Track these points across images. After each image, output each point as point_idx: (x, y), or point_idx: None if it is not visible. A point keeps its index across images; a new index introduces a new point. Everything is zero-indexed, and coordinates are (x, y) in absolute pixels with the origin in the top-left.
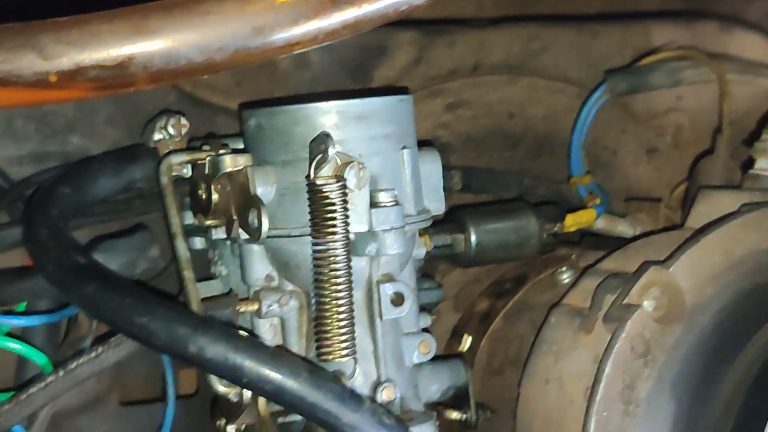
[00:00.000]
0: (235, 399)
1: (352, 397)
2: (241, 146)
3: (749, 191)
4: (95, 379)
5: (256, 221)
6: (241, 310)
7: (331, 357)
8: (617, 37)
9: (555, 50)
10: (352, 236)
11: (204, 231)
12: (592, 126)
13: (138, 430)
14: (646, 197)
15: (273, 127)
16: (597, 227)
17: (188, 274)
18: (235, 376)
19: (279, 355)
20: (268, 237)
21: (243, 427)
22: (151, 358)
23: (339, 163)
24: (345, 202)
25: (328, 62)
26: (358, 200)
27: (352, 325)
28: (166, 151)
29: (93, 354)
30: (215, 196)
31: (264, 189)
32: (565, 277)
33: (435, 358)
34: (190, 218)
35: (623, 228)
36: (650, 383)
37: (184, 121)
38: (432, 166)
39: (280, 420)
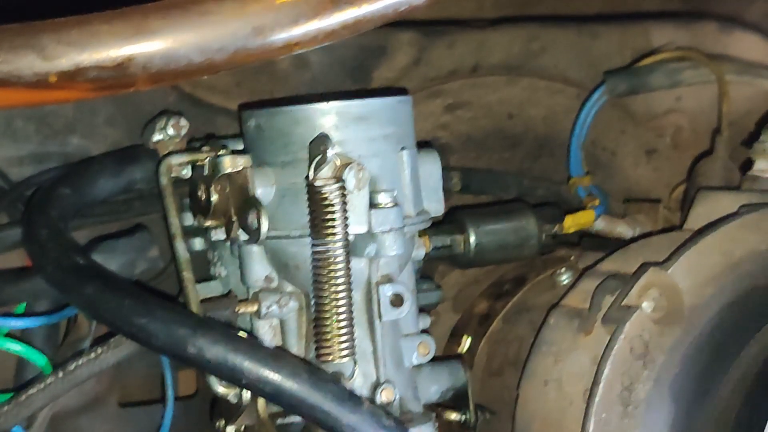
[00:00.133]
0: (234, 400)
1: (352, 398)
2: (241, 147)
3: (748, 192)
4: (94, 380)
5: (255, 222)
6: (241, 311)
7: (330, 358)
8: (617, 37)
9: (555, 51)
10: (351, 237)
11: (203, 232)
12: (592, 127)
13: (137, 431)
14: (645, 198)
15: (272, 128)
16: (596, 228)
17: (188, 275)
18: (234, 377)
19: (278, 356)
20: (267, 238)
21: (242, 427)
22: (150, 359)
23: (338, 164)
24: (344, 203)
25: (327, 63)
26: (358, 201)
27: (352, 326)
28: (166, 151)
29: (92, 355)
30: (215, 197)
31: (263, 190)
32: (565, 278)
33: (434, 359)
34: (189, 219)
35: (622, 229)
36: (649, 384)
37: (183, 121)
38: (431, 167)
39: (280, 421)
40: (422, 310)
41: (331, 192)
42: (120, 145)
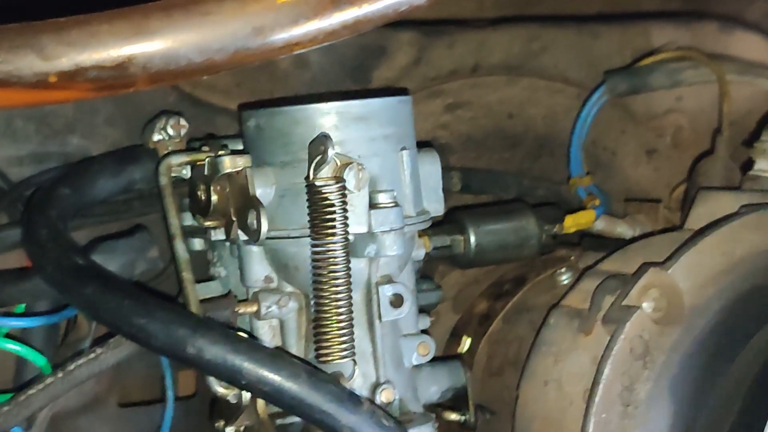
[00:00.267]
0: (233, 400)
1: (351, 399)
2: (241, 147)
3: (749, 192)
4: (94, 381)
5: (255, 222)
6: (240, 311)
7: (330, 358)
8: (617, 37)
9: (555, 51)
10: (351, 237)
11: (203, 232)
12: (592, 127)
13: (137, 431)
14: (645, 198)
15: (272, 128)
16: (596, 228)
17: (187, 275)
18: (233, 378)
19: (278, 356)
20: (267, 238)
21: (242, 428)
22: (150, 359)
23: (338, 164)
24: (344, 203)
25: (327, 63)
26: (358, 201)
27: (351, 326)
28: (166, 151)
29: (92, 355)
30: (214, 197)
31: (263, 190)
32: (565, 278)
33: (434, 360)
34: (189, 219)
35: (622, 229)
36: (649, 384)
37: (183, 121)
38: (431, 167)
39: (279, 421)
40: (422, 310)
41: (331, 192)
42: (120, 145)
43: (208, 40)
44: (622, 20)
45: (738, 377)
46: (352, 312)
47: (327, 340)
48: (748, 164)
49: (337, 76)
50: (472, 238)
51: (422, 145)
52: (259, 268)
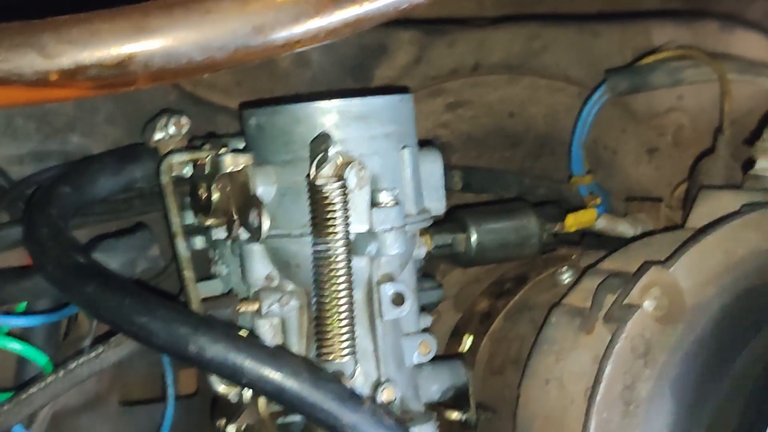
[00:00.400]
0: (235, 399)
1: (352, 398)
2: (242, 146)
3: (750, 191)
4: (95, 379)
5: (256, 221)
6: (242, 309)
7: (331, 357)
8: (618, 36)
9: (555, 50)
10: (352, 236)
11: (204, 231)
12: (593, 125)
13: (138, 430)
14: (646, 197)
15: (273, 127)
16: (597, 227)
17: (188, 273)
18: (235, 376)
19: (279, 355)
20: (268, 237)
21: (243, 427)
22: (151, 358)
23: (339, 162)
24: (345, 202)
25: (328, 61)
26: (359, 200)
27: (353, 325)
28: (167, 150)
29: (93, 354)
30: (216, 196)
31: (264, 189)
32: (566, 277)
33: (435, 358)
34: (190, 218)
35: (624, 228)
36: (650, 383)
37: (184, 120)
38: (432, 166)
39: (280, 420)
40: (423, 308)
41: (332, 191)
42: (120, 144)
43: (209, 39)
44: (622, 19)
45: (740, 376)
46: (353, 310)
47: (328, 339)
48: (749, 163)
49: (338, 74)
50: (474, 237)
51: (423, 143)
52: (260, 266)
